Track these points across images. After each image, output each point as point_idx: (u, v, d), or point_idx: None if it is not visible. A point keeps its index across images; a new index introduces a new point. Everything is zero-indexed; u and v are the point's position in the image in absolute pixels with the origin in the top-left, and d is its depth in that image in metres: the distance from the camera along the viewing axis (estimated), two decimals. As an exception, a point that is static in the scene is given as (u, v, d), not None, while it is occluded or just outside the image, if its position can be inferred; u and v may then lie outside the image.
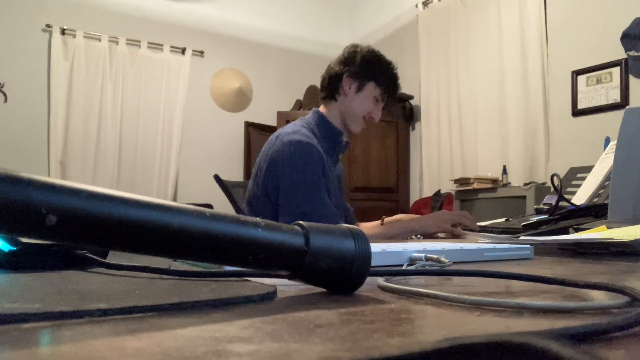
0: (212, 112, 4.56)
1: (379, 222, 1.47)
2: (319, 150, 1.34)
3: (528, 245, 0.61)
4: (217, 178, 2.04)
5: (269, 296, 0.28)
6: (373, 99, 1.46)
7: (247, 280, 0.34)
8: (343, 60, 1.47)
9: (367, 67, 1.45)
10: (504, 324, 0.22)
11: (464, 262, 0.52)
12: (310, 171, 1.30)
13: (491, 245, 0.59)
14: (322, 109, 1.50)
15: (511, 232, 0.94)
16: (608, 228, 0.68)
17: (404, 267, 0.43)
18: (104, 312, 0.22)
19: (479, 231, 1.15)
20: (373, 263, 0.31)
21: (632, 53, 2.76)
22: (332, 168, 1.44)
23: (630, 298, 0.25)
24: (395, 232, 1.36)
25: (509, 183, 3.20)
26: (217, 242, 0.25)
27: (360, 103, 1.45)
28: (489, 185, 3.14)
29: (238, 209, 1.95)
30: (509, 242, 0.68)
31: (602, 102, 2.92)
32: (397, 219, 1.49)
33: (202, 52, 4.47)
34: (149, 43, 4.25)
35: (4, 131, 3.73)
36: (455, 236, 1.32)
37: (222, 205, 1.98)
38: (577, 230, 0.77)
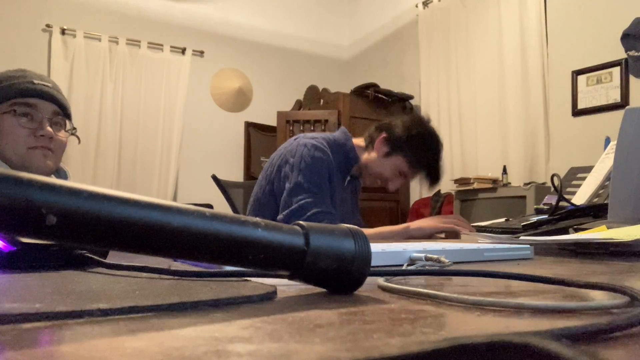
0: (212, 112, 4.55)
1: None
2: (330, 159, 1.37)
3: (528, 245, 0.61)
4: (214, 178, 2.06)
5: (269, 296, 0.28)
6: (397, 171, 1.43)
7: (247, 280, 0.34)
8: (396, 122, 1.45)
9: (405, 142, 1.40)
10: (504, 324, 0.22)
11: (464, 262, 0.52)
12: (317, 173, 1.33)
13: (491, 245, 0.59)
14: (355, 138, 1.50)
15: (511, 232, 0.94)
16: (608, 228, 0.68)
17: (404, 267, 0.43)
18: (104, 312, 0.22)
19: (478, 231, 1.15)
20: (373, 263, 0.31)
21: (632, 53, 2.76)
22: (340, 183, 1.45)
23: (630, 298, 0.25)
24: (388, 232, 1.35)
25: (509, 183, 3.20)
26: (217, 242, 0.25)
27: (380, 167, 1.43)
28: (489, 185, 3.14)
29: (235, 209, 1.96)
30: (509, 242, 0.68)
31: (602, 102, 2.92)
32: None
33: (202, 52, 4.47)
34: (149, 43, 4.25)
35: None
36: (454, 235, 1.32)
37: (223, 205, 1.98)
38: (577, 230, 0.77)
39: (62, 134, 1.12)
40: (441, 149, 1.46)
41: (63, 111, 1.12)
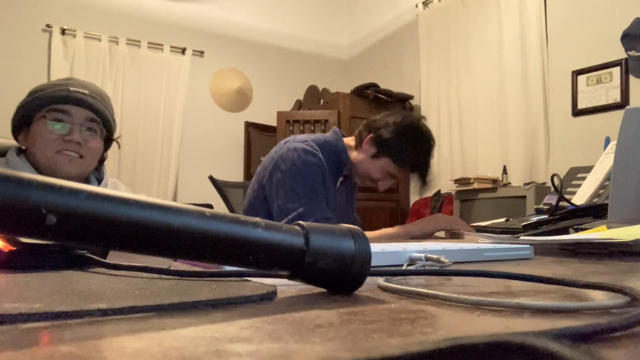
0: (212, 112, 4.55)
1: None
2: (322, 162, 1.35)
3: (528, 245, 0.61)
4: (211, 179, 2.05)
5: (269, 296, 0.28)
6: (385, 172, 1.41)
7: (247, 280, 0.34)
8: (385, 121, 1.40)
9: (392, 144, 1.36)
10: (504, 324, 0.22)
11: (464, 262, 0.52)
12: (310, 178, 1.31)
13: (491, 245, 0.59)
14: (347, 139, 1.47)
15: (511, 232, 0.94)
16: (608, 228, 0.68)
17: (404, 267, 0.43)
18: (104, 312, 0.22)
19: (478, 231, 1.15)
20: (373, 263, 0.31)
21: (632, 53, 2.76)
22: (333, 185, 1.43)
23: (630, 298, 0.25)
24: (390, 234, 1.36)
25: (509, 183, 3.20)
26: (217, 242, 0.25)
27: (368, 168, 1.40)
28: (489, 185, 3.14)
29: (231, 209, 1.94)
30: (509, 242, 0.68)
31: (602, 102, 2.92)
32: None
33: (202, 52, 4.47)
34: (149, 43, 4.25)
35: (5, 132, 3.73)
36: (454, 235, 1.32)
37: (223, 206, 1.98)
38: (577, 230, 0.77)
39: (95, 140, 1.15)
40: (431, 150, 1.42)
41: (101, 118, 1.14)
